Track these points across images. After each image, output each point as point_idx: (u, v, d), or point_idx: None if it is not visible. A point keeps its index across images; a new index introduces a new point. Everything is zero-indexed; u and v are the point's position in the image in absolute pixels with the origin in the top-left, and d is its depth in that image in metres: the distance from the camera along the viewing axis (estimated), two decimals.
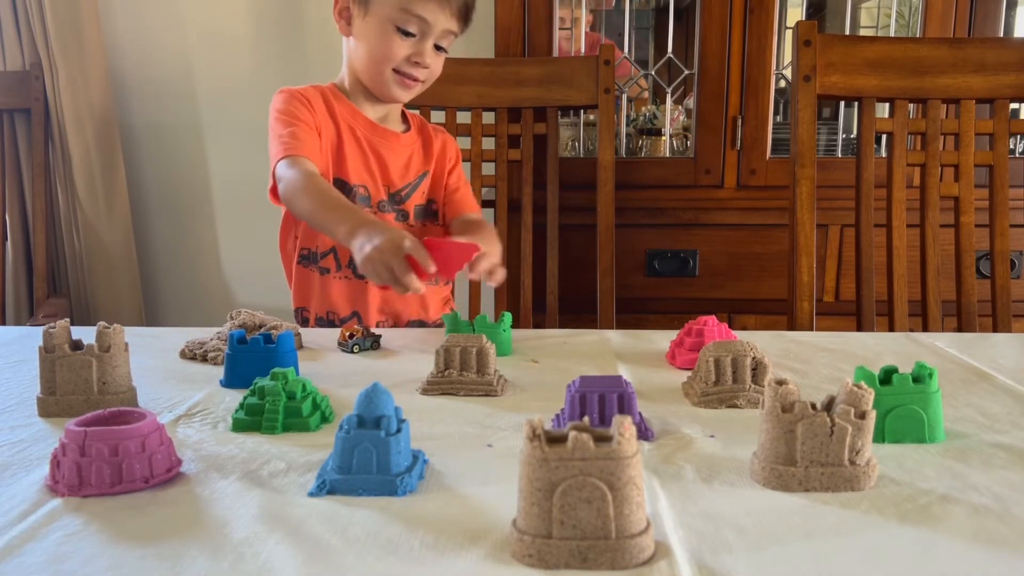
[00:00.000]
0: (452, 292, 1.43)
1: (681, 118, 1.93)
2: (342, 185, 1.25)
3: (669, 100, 1.86)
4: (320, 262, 1.28)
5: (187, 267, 2.25)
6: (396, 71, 1.21)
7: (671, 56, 1.82)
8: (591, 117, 1.86)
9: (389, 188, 1.29)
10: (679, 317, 1.08)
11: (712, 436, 0.68)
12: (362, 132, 1.27)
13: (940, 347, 1.01)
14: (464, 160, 1.51)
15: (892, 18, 1.89)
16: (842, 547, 0.49)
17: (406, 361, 0.94)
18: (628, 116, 1.91)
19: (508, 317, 0.99)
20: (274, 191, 1.17)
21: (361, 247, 0.95)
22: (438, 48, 1.22)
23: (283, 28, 2.09)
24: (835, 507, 0.54)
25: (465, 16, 1.22)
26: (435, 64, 1.23)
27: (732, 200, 1.76)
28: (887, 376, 0.67)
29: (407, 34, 1.18)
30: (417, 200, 1.31)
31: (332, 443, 0.57)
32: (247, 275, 2.24)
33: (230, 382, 0.83)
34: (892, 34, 1.88)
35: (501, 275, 1.05)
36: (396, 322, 1.30)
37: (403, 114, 1.35)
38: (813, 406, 0.56)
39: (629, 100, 1.94)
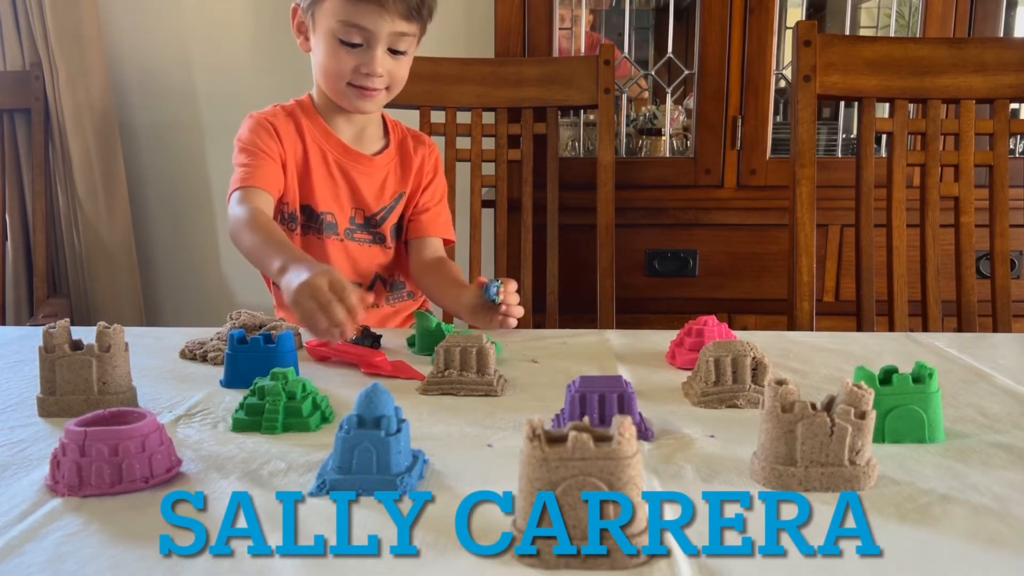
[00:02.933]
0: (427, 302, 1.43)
1: (681, 118, 1.93)
2: (309, 211, 1.23)
3: (669, 100, 1.86)
4: None
5: (187, 267, 2.25)
6: (351, 84, 1.16)
7: (671, 56, 1.82)
8: (591, 117, 1.86)
9: (365, 212, 1.26)
10: (679, 317, 1.08)
11: (712, 436, 0.68)
12: (333, 156, 1.23)
13: (940, 347, 1.01)
14: (464, 160, 1.51)
15: (892, 18, 1.89)
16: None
17: (406, 361, 0.94)
18: (628, 116, 1.91)
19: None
20: None
21: (289, 282, 0.86)
22: (395, 52, 1.16)
23: (283, 28, 2.08)
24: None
25: (415, 14, 1.14)
26: (396, 69, 1.17)
27: (732, 200, 1.76)
28: (887, 376, 0.67)
29: (353, 45, 1.13)
30: (393, 221, 1.29)
31: (332, 443, 0.57)
32: (247, 275, 2.24)
33: (230, 382, 0.83)
34: (892, 34, 1.88)
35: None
36: None
37: (386, 125, 1.31)
38: (813, 406, 0.56)
39: (629, 100, 1.94)
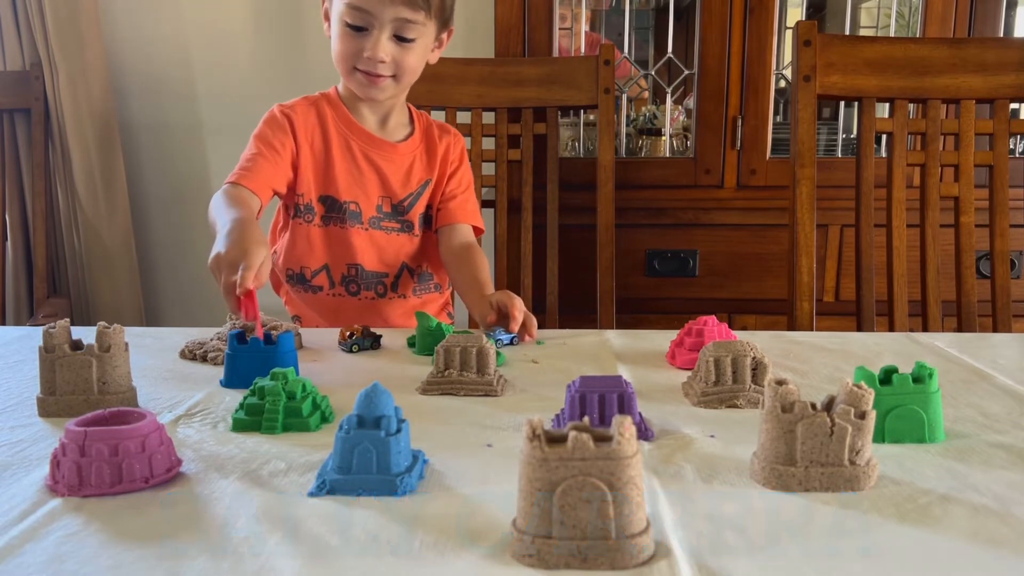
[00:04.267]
0: (452, 297, 1.43)
1: (681, 118, 1.93)
2: (331, 202, 1.24)
3: (669, 100, 1.86)
4: (312, 280, 1.27)
5: (187, 267, 2.24)
6: (358, 69, 1.17)
7: (671, 56, 1.82)
8: (591, 117, 1.86)
9: (392, 199, 1.26)
10: (679, 317, 1.08)
11: (712, 436, 0.68)
12: (358, 145, 1.24)
13: (940, 347, 1.01)
14: None
15: (892, 18, 1.89)
16: (842, 547, 0.49)
17: (406, 361, 0.94)
18: (628, 116, 1.91)
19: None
20: None
21: (214, 248, 0.90)
22: (402, 39, 1.16)
23: (283, 28, 2.09)
24: (835, 507, 0.54)
25: (420, 2, 1.13)
26: (402, 57, 1.17)
27: (732, 200, 1.76)
28: (887, 376, 0.67)
29: (358, 29, 1.14)
30: (420, 209, 1.29)
31: (332, 443, 0.57)
32: None
33: (230, 382, 0.83)
34: (892, 34, 1.88)
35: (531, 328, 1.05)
36: None
37: (411, 114, 1.32)
38: (813, 406, 0.56)
39: (629, 100, 1.94)
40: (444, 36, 1.24)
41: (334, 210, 1.24)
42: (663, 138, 1.89)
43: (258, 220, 1.06)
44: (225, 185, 1.14)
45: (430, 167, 1.30)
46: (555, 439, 0.46)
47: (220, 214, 1.02)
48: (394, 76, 1.19)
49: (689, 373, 0.84)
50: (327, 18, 1.21)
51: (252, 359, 0.82)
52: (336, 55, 1.19)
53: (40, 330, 0.75)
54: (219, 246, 0.90)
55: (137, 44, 2.11)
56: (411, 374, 0.86)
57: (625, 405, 0.66)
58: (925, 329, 1.33)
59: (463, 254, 1.26)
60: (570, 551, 0.45)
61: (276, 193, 1.21)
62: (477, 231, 1.34)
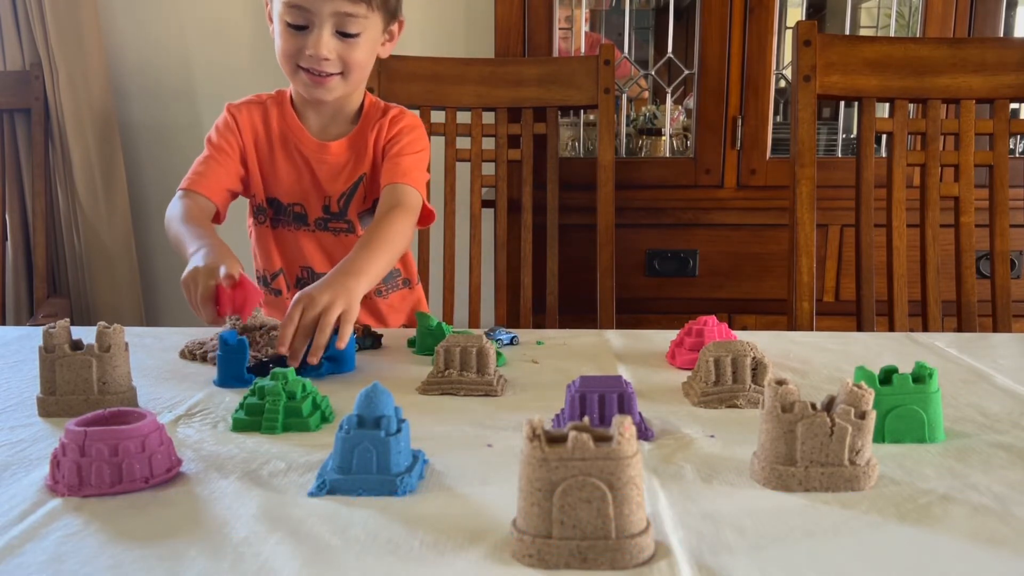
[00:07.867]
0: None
1: (681, 118, 1.93)
2: (277, 204, 1.23)
3: (669, 100, 1.86)
4: (272, 284, 1.27)
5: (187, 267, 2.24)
6: (302, 68, 1.13)
7: (671, 56, 1.82)
8: (591, 117, 1.86)
9: (330, 201, 1.22)
10: (679, 317, 1.08)
11: (712, 436, 0.68)
12: (297, 146, 1.21)
13: (940, 347, 1.01)
14: (464, 160, 1.51)
15: (892, 18, 1.89)
16: (842, 547, 0.49)
17: (406, 361, 0.94)
18: (628, 116, 1.91)
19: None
20: None
21: (187, 268, 0.92)
22: (345, 35, 1.11)
23: None
24: (835, 507, 0.54)
25: None
26: (347, 53, 1.11)
27: (732, 200, 1.76)
28: (887, 376, 0.67)
29: (299, 28, 1.10)
30: (358, 207, 1.23)
31: (332, 443, 0.57)
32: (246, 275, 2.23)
33: (223, 382, 0.82)
34: (892, 34, 1.88)
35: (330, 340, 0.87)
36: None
37: (363, 107, 1.23)
38: (813, 406, 0.56)
39: (629, 100, 1.94)
40: (394, 28, 1.19)
41: (280, 212, 1.23)
42: (663, 138, 1.89)
43: (216, 227, 1.09)
44: (179, 192, 1.15)
45: (361, 160, 1.22)
46: (555, 439, 0.46)
47: (183, 235, 1.04)
48: (342, 74, 1.14)
49: (689, 373, 0.84)
50: (271, 19, 1.17)
51: (244, 360, 0.82)
52: (279, 55, 1.15)
53: (40, 330, 0.75)
54: (195, 262, 0.92)
55: (137, 44, 2.11)
56: (411, 374, 0.86)
57: (625, 405, 0.66)
58: (925, 329, 1.33)
59: (376, 218, 1.12)
60: (570, 551, 0.45)
61: (234, 193, 1.21)
62: (427, 217, 1.20)
